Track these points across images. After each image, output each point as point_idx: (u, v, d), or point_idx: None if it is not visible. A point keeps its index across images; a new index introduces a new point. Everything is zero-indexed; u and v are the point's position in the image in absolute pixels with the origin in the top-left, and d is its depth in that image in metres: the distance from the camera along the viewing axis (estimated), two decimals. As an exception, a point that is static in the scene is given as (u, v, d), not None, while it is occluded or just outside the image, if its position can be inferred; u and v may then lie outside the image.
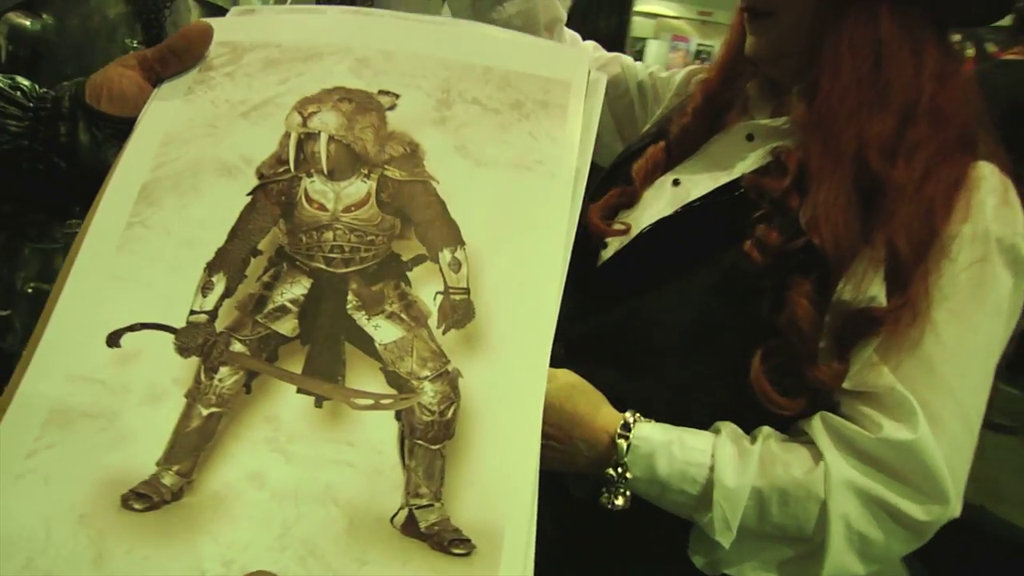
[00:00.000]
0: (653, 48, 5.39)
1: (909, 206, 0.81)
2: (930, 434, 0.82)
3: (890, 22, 0.86)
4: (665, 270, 0.94)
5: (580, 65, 0.72)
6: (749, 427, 0.91)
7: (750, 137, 1.01)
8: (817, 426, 0.88)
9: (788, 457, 0.87)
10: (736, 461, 0.86)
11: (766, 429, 0.91)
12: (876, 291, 0.84)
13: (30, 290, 1.10)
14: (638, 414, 0.91)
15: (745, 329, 0.87)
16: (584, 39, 1.32)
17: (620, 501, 0.89)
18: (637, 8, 4.88)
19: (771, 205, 0.89)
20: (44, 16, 1.08)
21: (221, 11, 1.27)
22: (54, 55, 0.98)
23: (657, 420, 0.91)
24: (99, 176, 0.66)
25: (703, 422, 0.91)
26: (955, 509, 0.85)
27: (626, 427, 0.88)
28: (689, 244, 0.94)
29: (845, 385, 0.87)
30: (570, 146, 0.69)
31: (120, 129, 0.69)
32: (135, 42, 1.13)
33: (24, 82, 0.70)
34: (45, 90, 0.70)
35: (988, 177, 0.86)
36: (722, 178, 0.98)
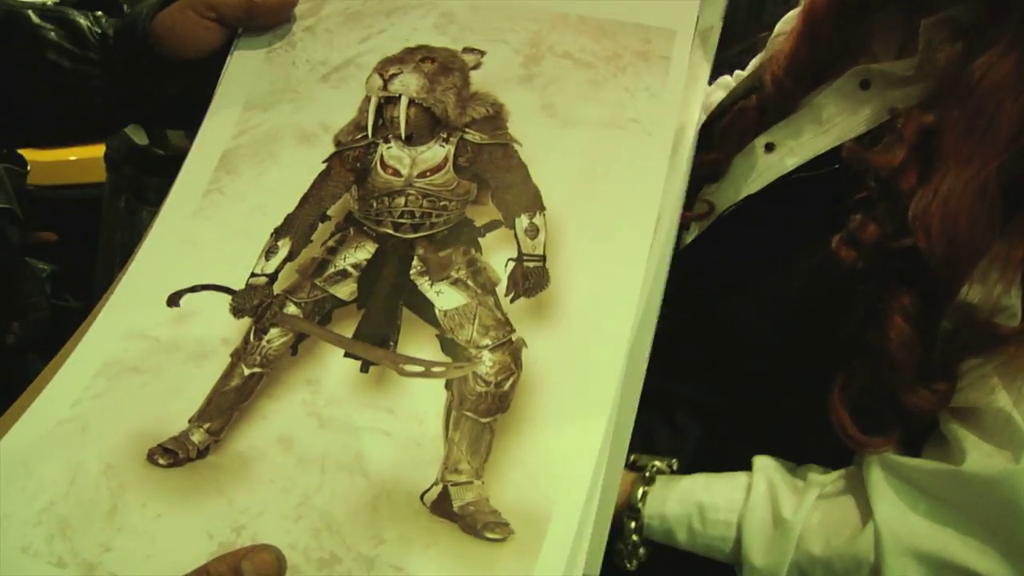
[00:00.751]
0: None
1: None
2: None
3: None
4: (749, 262, 0.75)
5: (688, 11, 0.65)
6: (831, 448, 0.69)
7: (864, 84, 0.75)
8: (874, 472, 0.66)
9: (833, 521, 0.66)
10: (767, 536, 0.66)
11: (816, 476, 0.69)
12: (1011, 301, 0.63)
13: None
14: (656, 465, 0.72)
15: (828, 346, 0.68)
16: (749, 30, 1.07)
17: (633, 566, 0.72)
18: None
19: (876, 185, 0.67)
20: None
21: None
22: None
23: (742, 429, 0.73)
24: (190, 113, 0.68)
25: (790, 432, 0.72)
26: None
27: (632, 509, 0.71)
28: (778, 230, 0.74)
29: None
30: (671, 102, 0.61)
31: (199, 72, 0.70)
32: None
33: (81, 21, 0.72)
34: (102, 32, 0.72)
35: None
36: (824, 142, 0.74)
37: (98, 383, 0.57)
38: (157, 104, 0.72)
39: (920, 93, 0.70)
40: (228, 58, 0.69)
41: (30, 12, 0.71)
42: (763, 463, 0.71)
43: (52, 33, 0.70)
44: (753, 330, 0.72)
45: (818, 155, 0.74)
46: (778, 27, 0.90)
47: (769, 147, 0.78)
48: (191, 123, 0.69)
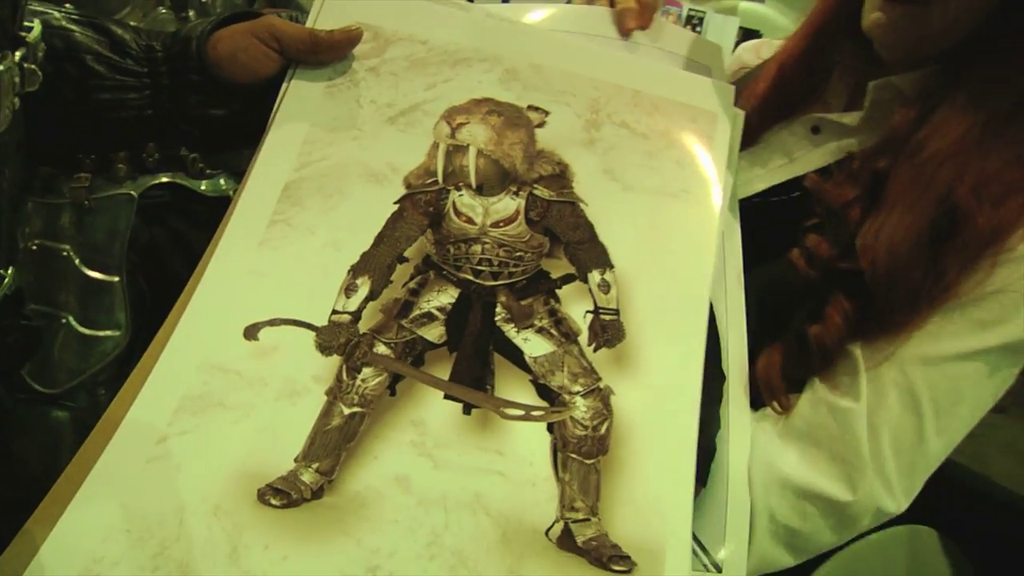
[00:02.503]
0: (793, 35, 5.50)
1: (976, 231, 0.75)
2: (865, 407, 0.76)
3: None
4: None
5: (727, 97, 0.76)
6: None
7: (815, 130, 0.90)
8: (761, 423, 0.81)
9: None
10: None
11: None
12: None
13: (34, 247, 1.05)
14: None
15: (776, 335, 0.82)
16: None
17: None
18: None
19: (827, 214, 0.82)
20: None
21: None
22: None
23: None
24: (229, 137, 0.69)
25: None
26: (891, 499, 0.76)
27: None
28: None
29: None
30: (715, 175, 0.71)
31: (247, 97, 0.71)
32: None
33: (119, 31, 0.70)
34: (146, 45, 0.71)
35: None
36: (780, 175, 0.90)
37: (183, 419, 0.57)
38: (196, 125, 0.71)
39: (861, 143, 0.86)
40: (284, 88, 0.70)
41: (54, 11, 0.68)
42: None
43: (86, 37, 0.67)
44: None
45: (775, 184, 0.90)
46: (735, 61, 1.08)
47: None
48: (223, 148, 0.69)
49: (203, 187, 1.12)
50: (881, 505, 0.76)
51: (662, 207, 0.69)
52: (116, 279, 1.07)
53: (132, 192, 1.08)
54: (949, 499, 0.87)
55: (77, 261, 1.07)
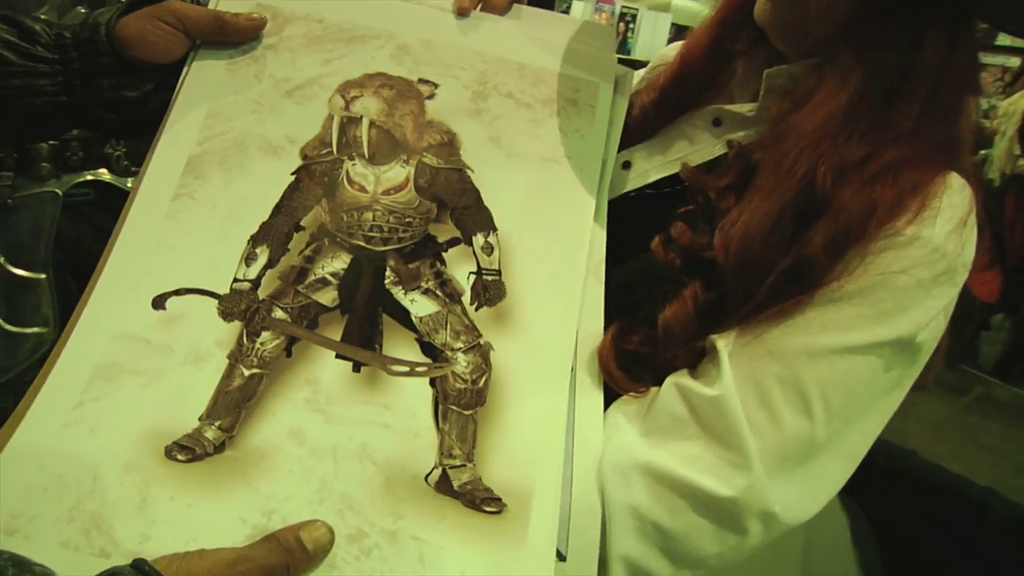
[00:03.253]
0: (578, 10, 5.34)
1: (845, 213, 0.72)
2: (735, 393, 0.70)
3: (938, 46, 0.76)
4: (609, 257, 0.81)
5: (608, 68, 0.81)
6: None
7: (716, 122, 0.90)
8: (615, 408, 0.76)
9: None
10: None
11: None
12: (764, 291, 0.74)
13: None
14: None
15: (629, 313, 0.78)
16: None
17: None
18: (563, -32, 4.96)
19: (701, 203, 0.81)
20: None
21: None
22: None
23: None
24: (145, 121, 0.73)
25: None
26: (780, 502, 0.69)
27: None
28: (625, 234, 0.82)
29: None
30: (597, 143, 0.77)
31: (159, 78, 0.75)
32: None
33: (29, 22, 0.74)
34: (56, 33, 0.74)
35: (957, 191, 0.74)
36: (669, 167, 0.89)
37: (96, 386, 0.63)
38: (111, 110, 0.75)
39: (760, 134, 0.85)
40: (186, 66, 0.75)
41: None
42: None
43: None
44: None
45: (664, 176, 0.89)
46: (658, 58, 1.06)
47: (626, 164, 0.92)
48: (142, 131, 0.74)
49: (129, 184, 1.15)
50: (767, 507, 0.69)
51: (543, 173, 0.75)
52: (43, 276, 1.12)
53: (56, 190, 1.12)
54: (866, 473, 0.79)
55: (2, 259, 1.12)
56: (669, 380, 0.75)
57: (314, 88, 0.75)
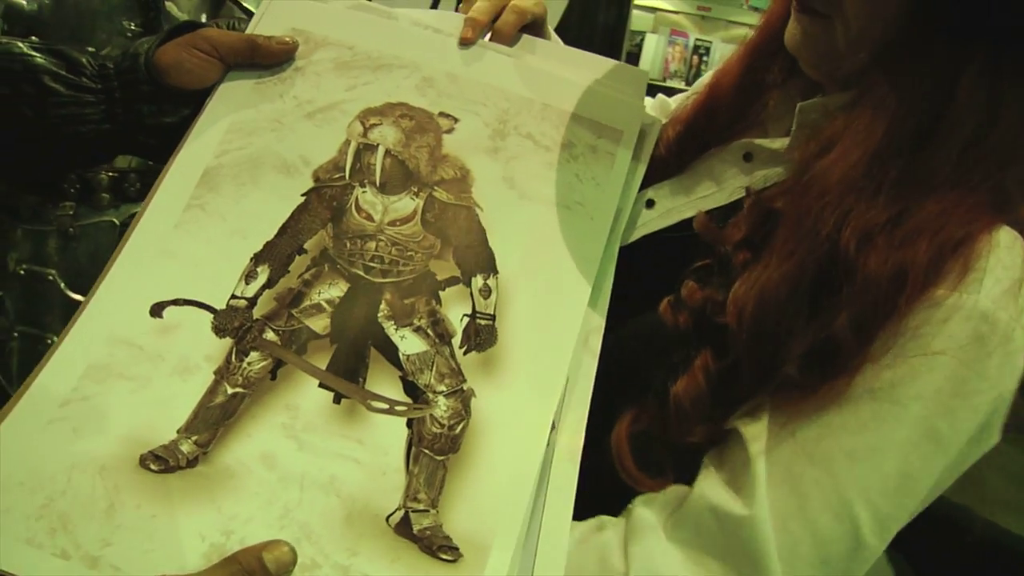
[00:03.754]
0: (651, 43, 5.39)
1: (871, 286, 0.65)
2: (767, 512, 0.65)
3: (981, 75, 0.66)
4: (619, 307, 0.77)
5: (635, 115, 0.80)
6: None
7: (747, 157, 0.81)
8: (636, 512, 0.72)
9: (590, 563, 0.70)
10: None
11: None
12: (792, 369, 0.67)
13: (22, 271, 1.17)
14: None
15: (636, 387, 0.74)
16: (583, 32, 1.07)
17: None
18: (637, 2, 5.01)
19: (716, 257, 0.74)
20: None
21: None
22: (48, 36, 1.02)
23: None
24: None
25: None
26: None
27: None
28: (642, 279, 0.77)
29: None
30: (612, 192, 0.76)
31: (196, 104, 0.78)
32: (133, 24, 1.18)
33: (75, 54, 0.77)
34: (100, 64, 0.78)
35: (1007, 247, 0.66)
36: (696, 206, 0.81)
37: (86, 386, 0.66)
38: (153, 135, 0.78)
39: (787, 172, 0.76)
40: (217, 85, 0.77)
41: (18, 41, 0.75)
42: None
43: (45, 60, 0.75)
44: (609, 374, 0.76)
45: (685, 219, 0.81)
46: (694, 87, 0.99)
47: (649, 203, 0.85)
48: None
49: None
50: None
51: (553, 218, 0.75)
52: None
53: (115, 219, 1.21)
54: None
55: (62, 285, 1.19)
56: (699, 489, 0.69)
57: (335, 112, 0.76)
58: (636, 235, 0.83)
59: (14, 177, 0.92)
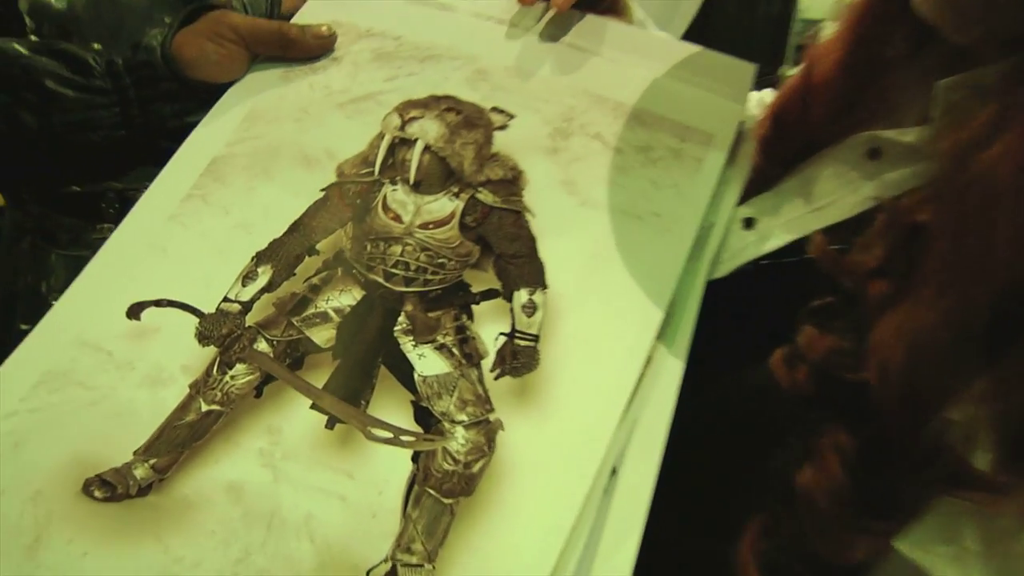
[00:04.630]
0: (830, 31, 4.74)
1: None
2: None
3: None
4: (704, 366, 0.61)
5: (731, 116, 0.66)
6: None
7: (874, 153, 0.62)
8: None
9: None
10: None
11: None
12: (979, 457, 0.50)
13: (53, 300, 1.09)
14: None
15: (752, 480, 0.57)
16: (742, 22, 0.81)
17: None
18: (808, -15, 4.44)
19: (840, 293, 0.57)
20: None
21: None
22: (83, 35, 0.96)
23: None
24: None
25: None
26: None
27: None
28: (735, 326, 0.63)
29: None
30: (698, 202, 0.62)
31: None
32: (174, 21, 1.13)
33: (79, 52, 0.70)
34: (107, 60, 0.71)
35: None
36: (811, 222, 0.63)
37: (38, 394, 0.56)
38: (176, 137, 0.70)
39: (927, 173, 0.57)
40: (245, 74, 0.69)
41: (15, 43, 0.70)
42: None
43: (44, 62, 0.69)
44: (704, 437, 0.62)
45: (794, 241, 0.63)
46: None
47: (748, 223, 0.66)
48: None
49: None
50: None
51: (622, 229, 0.61)
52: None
53: None
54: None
55: None
56: None
57: (370, 103, 0.66)
58: (732, 264, 0.65)
59: (25, 194, 0.85)
